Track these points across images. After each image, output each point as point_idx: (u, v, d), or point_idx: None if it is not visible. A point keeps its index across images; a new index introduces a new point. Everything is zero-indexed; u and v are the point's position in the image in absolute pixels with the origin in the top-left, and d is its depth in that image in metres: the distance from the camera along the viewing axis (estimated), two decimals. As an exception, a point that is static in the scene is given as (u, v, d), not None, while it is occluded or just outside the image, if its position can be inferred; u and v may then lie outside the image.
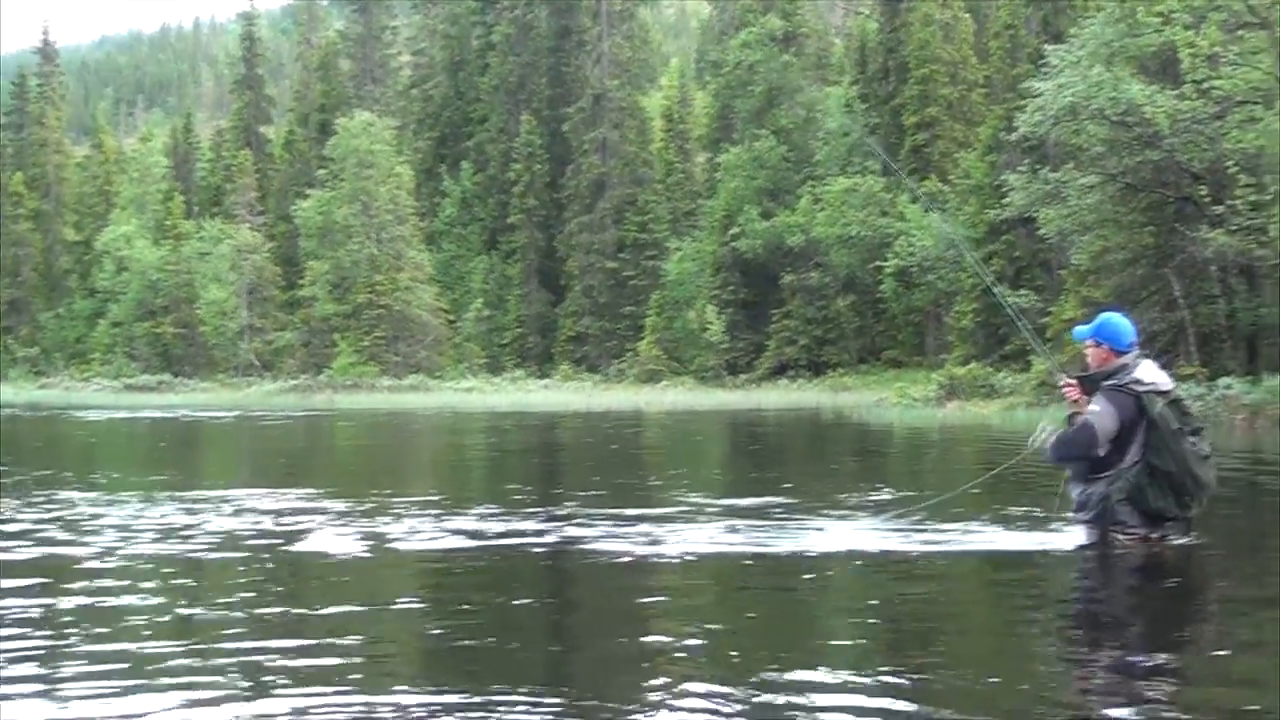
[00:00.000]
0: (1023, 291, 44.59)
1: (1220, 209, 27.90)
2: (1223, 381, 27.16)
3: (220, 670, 4.92)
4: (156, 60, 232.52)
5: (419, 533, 9.08)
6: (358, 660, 5.16)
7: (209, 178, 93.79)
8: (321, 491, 12.22)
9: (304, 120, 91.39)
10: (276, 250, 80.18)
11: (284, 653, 5.28)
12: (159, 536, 8.97)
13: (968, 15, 67.03)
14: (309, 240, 75.37)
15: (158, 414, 36.84)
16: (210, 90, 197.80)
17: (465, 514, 10.14)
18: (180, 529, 9.37)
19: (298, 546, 8.53)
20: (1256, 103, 27.76)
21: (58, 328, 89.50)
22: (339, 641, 5.50)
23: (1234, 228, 27.40)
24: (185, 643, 5.46)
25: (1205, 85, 27.98)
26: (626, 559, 7.90)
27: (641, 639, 5.70)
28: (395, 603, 6.70)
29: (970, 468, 16.12)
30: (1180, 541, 7.56)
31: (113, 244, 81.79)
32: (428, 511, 10.27)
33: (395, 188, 73.69)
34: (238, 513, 10.36)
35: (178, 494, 11.86)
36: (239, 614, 6.15)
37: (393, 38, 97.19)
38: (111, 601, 6.49)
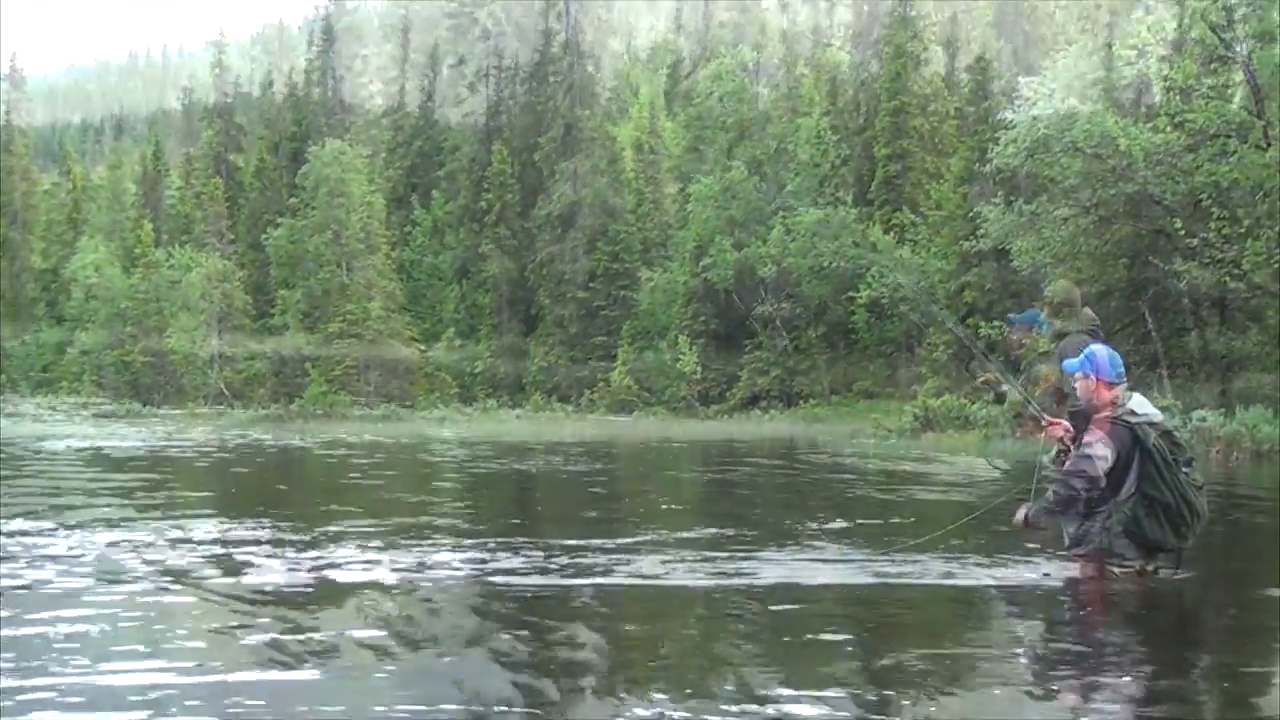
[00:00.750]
0: (996, 323, 44.68)
1: (1194, 242, 28.03)
2: (1196, 414, 27.17)
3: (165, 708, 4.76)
4: (125, 88, 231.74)
5: (368, 562, 8.89)
6: (312, 693, 4.98)
7: (179, 205, 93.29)
8: (275, 520, 11.95)
9: (275, 148, 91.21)
10: (247, 279, 79.86)
11: (234, 685, 5.13)
12: (102, 565, 8.74)
13: (939, 47, 67.55)
14: (280, 269, 75.28)
15: (121, 442, 36.45)
16: (179, 118, 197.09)
17: (430, 544, 9.94)
18: (119, 558, 9.12)
19: (241, 578, 8.28)
20: (1230, 136, 27.96)
21: (24, 355, 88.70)
22: (290, 674, 5.34)
23: (1207, 260, 27.52)
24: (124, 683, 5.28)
25: (1179, 118, 28.17)
26: (592, 589, 7.77)
27: (607, 669, 5.57)
28: (349, 633, 6.48)
29: (966, 500, 16.00)
30: (1172, 574, 7.51)
31: (81, 271, 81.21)
32: (376, 541, 10.08)
33: (367, 216, 73.52)
34: (180, 543, 10.07)
35: (126, 524, 11.59)
36: (183, 645, 5.97)
37: (364, 66, 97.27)
38: (47, 630, 6.30)
